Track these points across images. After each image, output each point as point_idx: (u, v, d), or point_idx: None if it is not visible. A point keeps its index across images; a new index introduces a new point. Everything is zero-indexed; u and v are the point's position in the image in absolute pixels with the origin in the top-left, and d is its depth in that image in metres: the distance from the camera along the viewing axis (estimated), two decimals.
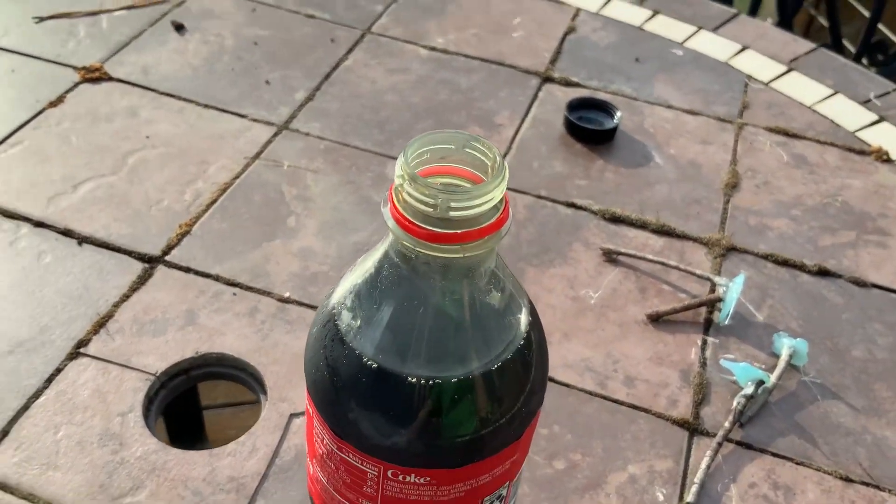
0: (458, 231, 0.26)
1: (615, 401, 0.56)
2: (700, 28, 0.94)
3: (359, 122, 0.77)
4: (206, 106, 0.77)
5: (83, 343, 0.56)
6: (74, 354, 0.55)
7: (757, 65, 0.89)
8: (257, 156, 0.72)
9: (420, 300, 0.29)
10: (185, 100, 0.77)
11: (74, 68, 0.79)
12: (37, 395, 0.53)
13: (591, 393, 0.56)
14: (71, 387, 0.54)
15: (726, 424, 0.54)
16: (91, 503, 0.48)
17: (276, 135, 0.74)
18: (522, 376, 0.30)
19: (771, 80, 0.87)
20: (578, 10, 0.95)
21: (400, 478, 0.30)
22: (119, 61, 0.81)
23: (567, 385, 0.57)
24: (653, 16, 0.95)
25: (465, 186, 0.27)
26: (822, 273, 0.66)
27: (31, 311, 0.58)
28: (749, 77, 0.87)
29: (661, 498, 0.51)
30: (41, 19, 0.85)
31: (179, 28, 0.86)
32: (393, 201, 0.27)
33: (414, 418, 0.29)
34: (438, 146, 0.28)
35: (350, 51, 0.86)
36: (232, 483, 0.49)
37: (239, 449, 0.51)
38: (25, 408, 0.52)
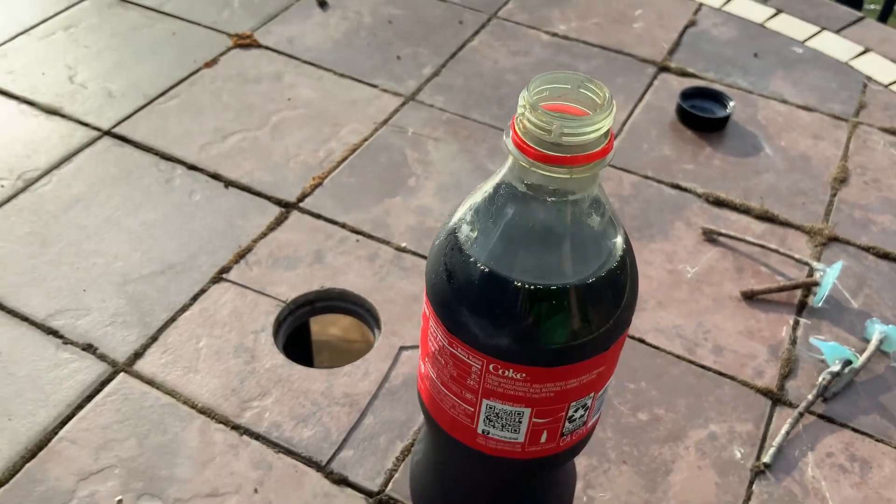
0: (568, 155, 0.31)
1: (702, 366, 0.59)
2: (823, 29, 0.94)
3: (480, 98, 0.82)
4: (342, 75, 0.84)
5: (225, 270, 0.63)
6: (217, 279, 0.63)
7: (878, 67, 0.89)
8: (385, 122, 0.78)
9: (530, 216, 0.33)
10: (324, 69, 0.84)
11: (228, 35, 0.88)
12: (183, 309, 0.61)
13: (679, 357, 0.60)
14: (213, 305, 0.61)
15: (809, 397, 0.57)
16: (224, 403, 0.55)
17: (403, 104, 0.81)
18: (615, 292, 0.34)
19: (891, 83, 0.87)
20: (701, 4, 0.97)
21: (500, 372, 0.35)
22: (267, 31, 0.89)
23: (657, 347, 0.60)
24: (775, 14, 0.96)
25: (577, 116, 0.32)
26: None
27: (182, 240, 0.66)
28: (868, 78, 0.88)
29: (738, 456, 0.54)
30: None
31: (323, 4, 0.93)
32: (514, 129, 0.32)
33: (516, 316, 0.33)
34: (557, 85, 0.33)
35: (476, 33, 0.91)
36: (346, 399, 0.55)
37: (353, 371, 0.57)
38: (172, 319, 0.60)
